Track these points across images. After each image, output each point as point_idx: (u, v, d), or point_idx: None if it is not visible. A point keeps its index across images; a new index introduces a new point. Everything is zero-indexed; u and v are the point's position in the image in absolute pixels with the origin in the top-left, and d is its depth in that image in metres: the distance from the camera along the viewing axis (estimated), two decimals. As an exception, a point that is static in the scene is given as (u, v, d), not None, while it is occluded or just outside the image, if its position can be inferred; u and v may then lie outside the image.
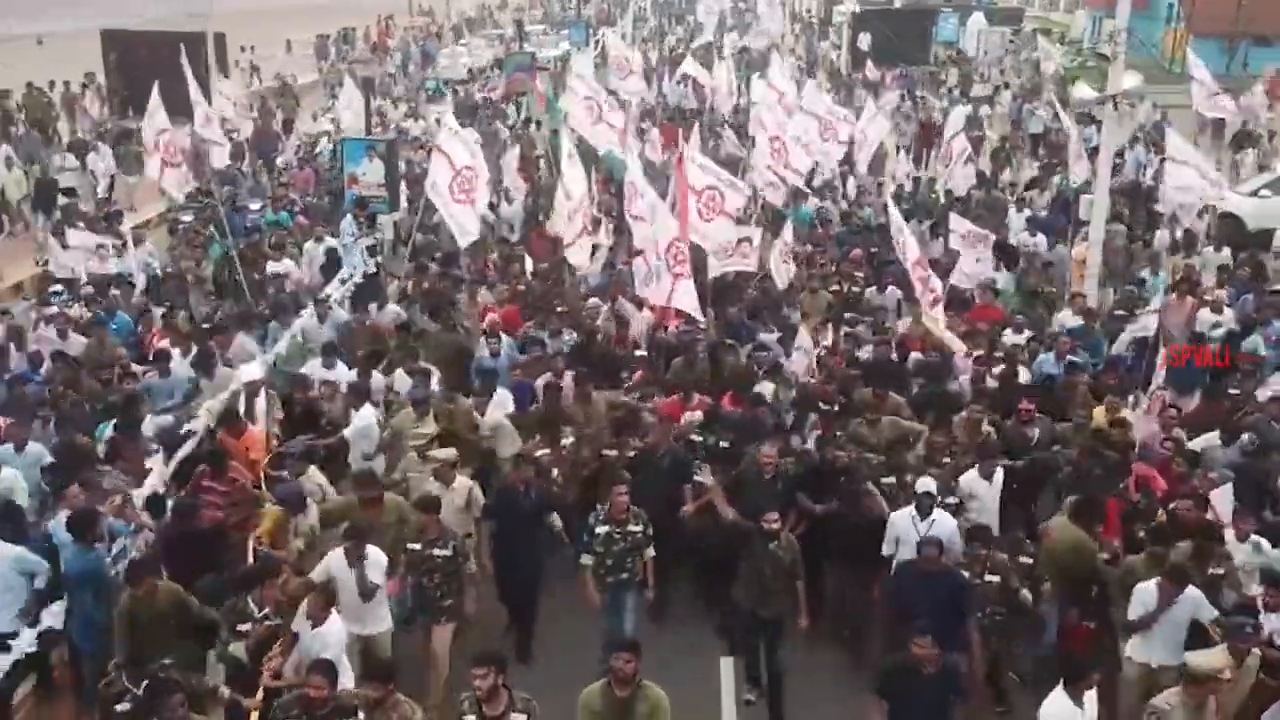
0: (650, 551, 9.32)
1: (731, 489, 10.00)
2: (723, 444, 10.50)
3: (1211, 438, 10.95)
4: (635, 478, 9.85)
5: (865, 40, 36.22)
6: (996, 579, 8.87)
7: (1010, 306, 15.09)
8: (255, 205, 19.71)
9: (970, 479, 9.94)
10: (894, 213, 14.48)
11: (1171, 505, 9.52)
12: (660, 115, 27.69)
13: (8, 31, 36.96)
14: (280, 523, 9.13)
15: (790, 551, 9.06)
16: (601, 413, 11.09)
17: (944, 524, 9.22)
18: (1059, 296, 15.96)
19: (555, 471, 10.46)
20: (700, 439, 10.67)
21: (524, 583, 9.84)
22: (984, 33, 42.09)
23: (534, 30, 49.55)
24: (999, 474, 9.95)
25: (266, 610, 7.94)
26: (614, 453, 10.52)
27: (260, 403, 11.01)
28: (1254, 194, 21.53)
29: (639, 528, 9.25)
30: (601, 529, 9.24)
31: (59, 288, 14.88)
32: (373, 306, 14.81)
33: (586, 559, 9.28)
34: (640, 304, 14.10)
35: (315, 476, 9.77)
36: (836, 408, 11.16)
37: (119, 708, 7.18)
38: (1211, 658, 7.38)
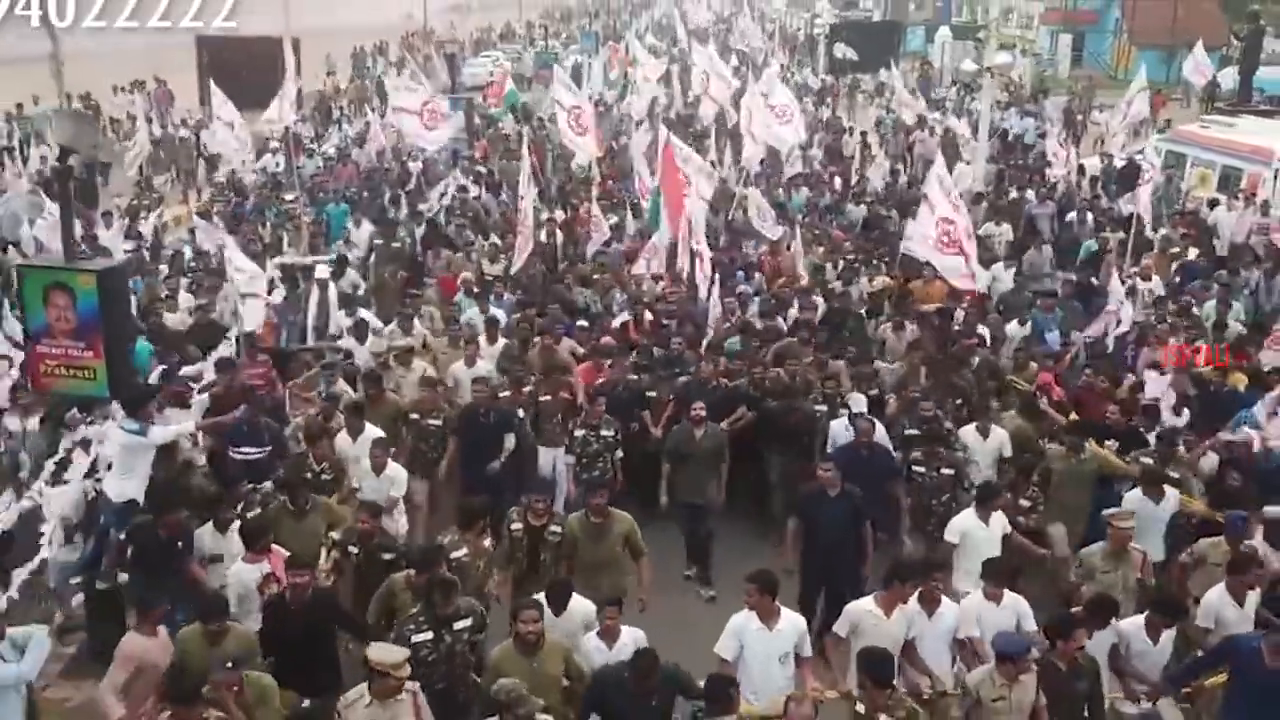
0: (619, 453, 9.91)
1: (678, 399, 10.54)
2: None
3: None
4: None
5: (840, 49, 37.03)
6: (952, 472, 9.32)
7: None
8: (289, 196, 20.54)
9: (967, 433, 9.93)
10: (939, 173, 13.69)
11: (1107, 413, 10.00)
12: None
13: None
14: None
15: (713, 440, 9.80)
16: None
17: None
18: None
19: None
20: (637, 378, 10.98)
21: (489, 487, 9.82)
22: (948, 44, 42.96)
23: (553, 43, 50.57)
24: (996, 432, 9.86)
25: (325, 464, 9.01)
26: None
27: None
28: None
29: (610, 432, 9.90)
30: (579, 432, 9.99)
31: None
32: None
33: (568, 458, 10.17)
34: (657, 278, 14.51)
35: (345, 386, 10.77)
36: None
37: (249, 515, 8.28)
38: (1122, 514, 8.06)
